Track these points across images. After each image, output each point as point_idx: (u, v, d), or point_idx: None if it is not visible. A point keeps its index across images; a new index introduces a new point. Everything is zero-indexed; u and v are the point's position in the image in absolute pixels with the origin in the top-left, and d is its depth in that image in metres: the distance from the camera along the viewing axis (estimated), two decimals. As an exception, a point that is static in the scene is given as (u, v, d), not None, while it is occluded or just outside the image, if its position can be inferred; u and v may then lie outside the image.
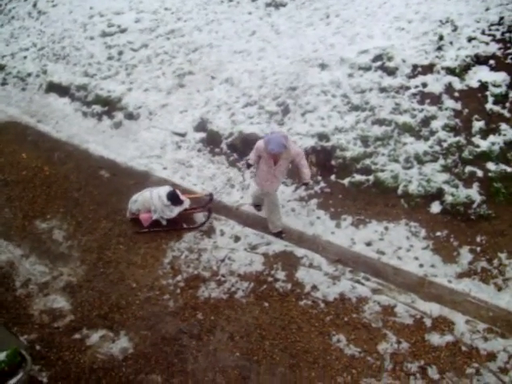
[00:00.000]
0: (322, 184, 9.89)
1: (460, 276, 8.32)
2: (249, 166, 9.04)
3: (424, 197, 9.22)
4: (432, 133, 9.80)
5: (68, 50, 14.55)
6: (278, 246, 9.10)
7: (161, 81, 12.68)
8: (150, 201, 9.60)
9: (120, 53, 13.76)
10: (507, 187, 9.02)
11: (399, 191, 9.36)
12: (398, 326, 7.82)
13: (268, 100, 11.15)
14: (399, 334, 7.73)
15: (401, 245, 8.76)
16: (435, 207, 9.12)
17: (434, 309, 7.92)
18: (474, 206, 8.94)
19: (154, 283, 8.87)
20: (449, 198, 9.04)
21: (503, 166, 9.19)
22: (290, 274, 8.66)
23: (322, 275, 8.55)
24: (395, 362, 7.49)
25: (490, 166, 9.25)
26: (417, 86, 10.36)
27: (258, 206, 9.80)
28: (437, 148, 9.60)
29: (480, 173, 9.22)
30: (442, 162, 9.45)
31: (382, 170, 9.60)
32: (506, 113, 9.77)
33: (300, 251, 8.94)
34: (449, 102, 10.05)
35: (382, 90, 10.50)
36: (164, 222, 9.74)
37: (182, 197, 9.74)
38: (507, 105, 9.81)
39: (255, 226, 9.53)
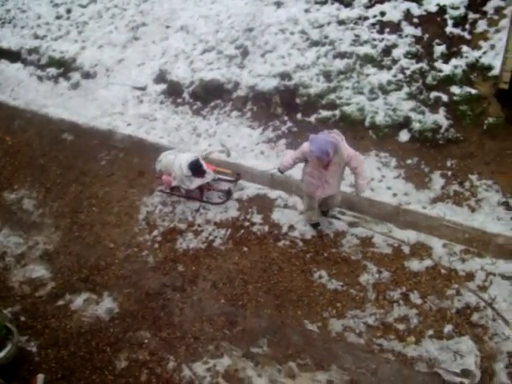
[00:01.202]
0: (289, 123, 9.79)
1: (434, 201, 8.41)
2: (281, 172, 8.04)
3: (391, 126, 9.20)
4: (394, 61, 9.73)
5: (13, 13, 13.95)
6: (252, 190, 9.11)
7: (114, 36, 12.30)
8: (172, 166, 8.90)
9: (68, 11, 13.28)
10: (473, 109, 9.05)
11: (366, 123, 9.32)
12: (377, 256, 7.94)
13: (226, 44, 10.92)
14: (379, 264, 7.86)
15: (373, 176, 8.77)
16: (404, 136, 9.12)
17: (411, 236, 8.06)
18: (442, 130, 8.96)
19: (132, 241, 8.84)
20: (416, 126, 9.04)
21: (467, 89, 9.19)
22: (266, 216, 8.69)
23: (297, 214, 8.59)
24: (378, 292, 7.63)
25: (455, 89, 9.23)
26: (375, 16, 10.24)
27: (316, 225, 8.45)
28: (400, 76, 9.54)
29: (445, 97, 9.21)
30: (406, 89, 9.41)
31: (348, 104, 9.52)
32: (466, 35, 9.72)
33: (274, 193, 8.95)
34: (408, 29, 9.96)
35: (341, 22, 10.36)
36: (183, 191, 9.21)
37: (207, 168, 9.02)
38: (467, 26, 9.76)
39: (227, 173, 9.42)
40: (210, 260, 8.35)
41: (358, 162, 7.40)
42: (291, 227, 8.46)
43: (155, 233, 8.86)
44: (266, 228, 8.56)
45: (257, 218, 8.69)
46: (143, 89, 11.25)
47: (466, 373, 6.89)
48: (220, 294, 7.98)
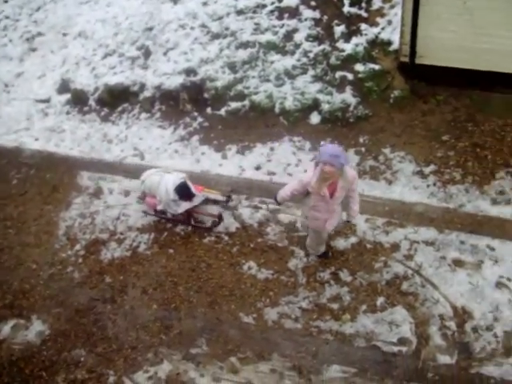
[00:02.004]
0: (200, 119, 9.65)
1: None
2: (278, 203, 7.38)
3: (301, 110, 9.26)
4: (297, 46, 9.80)
5: None
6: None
7: (9, 48, 11.75)
8: (156, 189, 8.23)
9: (-45, 27, 12.64)
10: (378, 85, 9.27)
11: (276, 110, 9.33)
12: (303, 239, 7.94)
13: (127, 46, 10.67)
14: (304, 248, 7.89)
15: (289, 161, 8.81)
16: (314, 118, 9.20)
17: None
18: (351, 109, 9.11)
19: (54, 259, 8.51)
20: (325, 107, 9.13)
21: (371, 65, 9.39)
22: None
23: (219, 209, 8.51)
24: (308, 275, 7.68)
25: (359, 67, 9.41)
26: (273, 3, 10.31)
27: (326, 253, 7.86)
28: (304, 60, 9.62)
29: (350, 76, 9.38)
30: (311, 72, 9.50)
31: (256, 93, 9.51)
32: (363, 13, 9.93)
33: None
34: (307, 13, 10.06)
35: (239, 12, 10.35)
36: (169, 215, 8.53)
37: (195, 190, 8.34)
38: (363, 5, 9.99)
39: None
40: (137, 267, 8.15)
41: (357, 184, 7.00)
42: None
43: (77, 247, 8.56)
44: (190, 227, 8.44)
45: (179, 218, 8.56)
46: (47, 101, 10.83)
47: (402, 341, 7.05)
48: (151, 300, 7.81)
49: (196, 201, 8.32)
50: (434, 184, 8.37)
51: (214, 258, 8.05)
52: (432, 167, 8.54)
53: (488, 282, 7.40)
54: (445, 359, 6.89)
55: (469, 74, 9.09)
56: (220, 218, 8.32)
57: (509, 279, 7.43)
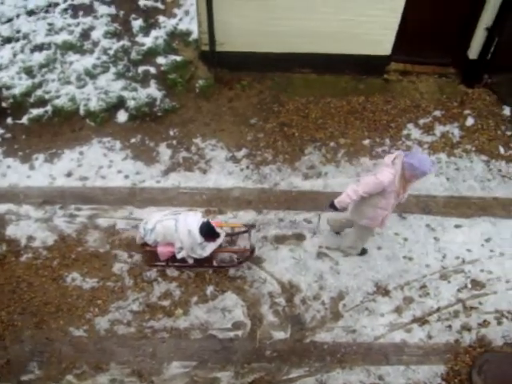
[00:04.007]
0: (0, 130, 9.03)
1: (166, 173, 8.47)
2: (337, 209, 6.79)
3: (107, 110, 8.99)
4: (95, 44, 9.53)
5: None
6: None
7: None
8: (174, 234, 7.20)
9: None
10: (182, 76, 9.27)
11: (81, 112, 8.96)
12: (124, 241, 7.77)
13: None
14: (129, 249, 7.71)
15: (101, 164, 8.52)
16: (122, 116, 8.98)
17: (152, 212, 7.95)
18: (158, 102, 9.03)
19: None
20: (131, 103, 8.96)
21: (172, 57, 9.38)
22: (0, 234, 7.98)
23: (33, 223, 8.01)
24: (134, 277, 7.49)
25: (160, 60, 9.36)
26: (65, 1, 9.96)
27: (365, 250, 7.82)
28: (104, 58, 9.37)
29: (153, 69, 9.31)
30: (113, 70, 9.28)
31: (58, 97, 9.06)
32: (159, 5, 9.88)
33: (2, 208, 8.23)
34: (102, 9, 9.84)
35: (30, 13, 9.89)
36: (191, 261, 7.52)
37: (218, 228, 7.49)
38: (159, -3, 9.90)
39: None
40: None
41: None
42: (30, 238, 7.84)
43: None
44: (4, 247, 7.85)
45: (-9, 240, 7.96)
46: None
47: (237, 325, 7.14)
48: (-29, 335, 7.20)
49: (220, 239, 7.51)
50: (248, 167, 8.56)
51: (34, 275, 7.56)
52: (244, 151, 8.72)
53: (310, 254, 7.72)
54: (279, 335, 7.09)
55: (269, 57, 9.40)
56: (253, 251, 7.57)
57: (327, 247, 7.81)
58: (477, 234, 8.06)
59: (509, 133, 9.43)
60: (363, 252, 7.82)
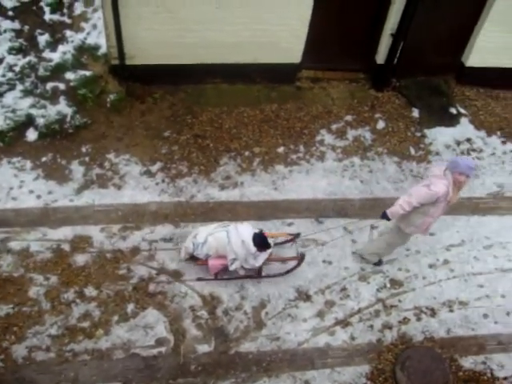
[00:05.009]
0: None
1: (79, 191, 8.30)
2: (389, 219, 7.07)
3: (16, 128, 8.68)
4: (-1, 61, 9.19)
5: None
6: None
7: None
8: (226, 246, 7.18)
9: None
10: (92, 91, 9.07)
11: (-14, 133, 8.68)
12: (39, 264, 7.53)
13: None
14: (44, 271, 7.47)
15: (11, 185, 8.24)
16: (31, 135, 8.71)
17: (67, 232, 7.84)
18: (68, 119, 8.81)
19: None
20: (41, 121, 8.70)
21: (81, 72, 9.13)
22: None
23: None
24: (52, 299, 7.26)
25: (69, 75, 9.10)
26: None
27: (381, 261, 8.12)
28: (10, 75, 8.99)
29: (62, 85, 9.03)
30: (20, 87, 8.94)
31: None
32: (66, 19, 9.56)
33: None
34: (5, 23, 9.40)
35: None
36: (242, 272, 7.52)
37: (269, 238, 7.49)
38: (65, 11, 9.56)
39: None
40: None
41: None
42: None
43: None
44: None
45: None
46: None
47: (160, 341, 7.05)
48: None
49: (270, 249, 7.47)
50: (163, 181, 8.53)
51: None
52: (159, 165, 8.68)
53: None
54: (204, 348, 7.06)
55: (181, 69, 9.40)
56: (303, 257, 7.58)
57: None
58: (392, 234, 8.28)
59: (418, 134, 9.80)
60: (380, 263, 8.04)
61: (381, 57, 10.15)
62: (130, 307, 7.25)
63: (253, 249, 7.14)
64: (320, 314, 7.46)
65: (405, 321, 7.52)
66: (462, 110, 10.34)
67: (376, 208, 8.51)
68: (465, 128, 10.07)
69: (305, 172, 9.03)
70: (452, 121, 10.13)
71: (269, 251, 7.44)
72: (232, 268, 7.36)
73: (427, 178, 6.90)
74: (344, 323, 7.42)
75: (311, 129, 9.51)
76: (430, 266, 8.14)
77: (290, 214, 8.48)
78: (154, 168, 8.61)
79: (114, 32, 8.75)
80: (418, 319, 7.57)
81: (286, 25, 9.15)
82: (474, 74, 10.56)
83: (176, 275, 7.58)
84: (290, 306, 7.49)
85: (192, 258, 7.62)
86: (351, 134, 9.56)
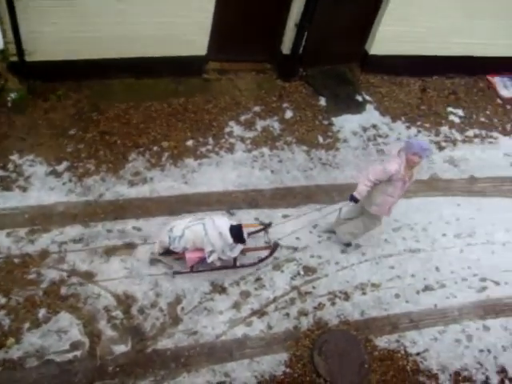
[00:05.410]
0: None
1: (-19, 195, 7.97)
2: (356, 201, 7.48)
3: None
4: None
5: None
6: None
7: None
8: (203, 238, 7.19)
9: None
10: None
11: None
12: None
13: None
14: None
15: None
16: None
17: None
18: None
19: None
20: None
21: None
22: None
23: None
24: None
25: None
26: None
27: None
28: None
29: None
30: None
31: None
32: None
33: None
34: None
35: None
36: (219, 263, 7.49)
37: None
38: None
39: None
40: None
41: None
42: None
43: None
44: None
45: None
46: None
47: (75, 345, 6.86)
48: None
49: (246, 240, 7.57)
50: (70, 180, 8.29)
51: None
52: (65, 164, 8.44)
53: (142, 262, 7.65)
54: (120, 348, 6.93)
55: (85, 65, 9.17)
56: (276, 246, 7.83)
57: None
58: (304, 222, 8.39)
59: (326, 122, 10.00)
60: (349, 244, 8.41)
61: (286, 47, 10.27)
62: (42, 312, 7.00)
63: (230, 240, 7.30)
64: (236, 306, 7.48)
65: (320, 306, 7.66)
66: (368, 97, 10.64)
67: (287, 197, 8.66)
68: (370, 115, 10.38)
69: (215, 164, 9.02)
70: (358, 108, 10.41)
71: (245, 242, 7.62)
72: (210, 260, 7.43)
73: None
74: (260, 313, 7.48)
75: (220, 121, 9.52)
76: (342, 252, 8.34)
77: (201, 207, 8.45)
78: (61, 168, 8.36)
79: (9, 27, 8.38)
80: (333, 304, 7.73)
81: (190, 17, 9.06)
82: (378, 61, 10.86)
83: (88, 276, 7.39)
84: (206, 300, 7.47)
85: (167, 253, 7.56)
86: (260, 124, 9.63)
